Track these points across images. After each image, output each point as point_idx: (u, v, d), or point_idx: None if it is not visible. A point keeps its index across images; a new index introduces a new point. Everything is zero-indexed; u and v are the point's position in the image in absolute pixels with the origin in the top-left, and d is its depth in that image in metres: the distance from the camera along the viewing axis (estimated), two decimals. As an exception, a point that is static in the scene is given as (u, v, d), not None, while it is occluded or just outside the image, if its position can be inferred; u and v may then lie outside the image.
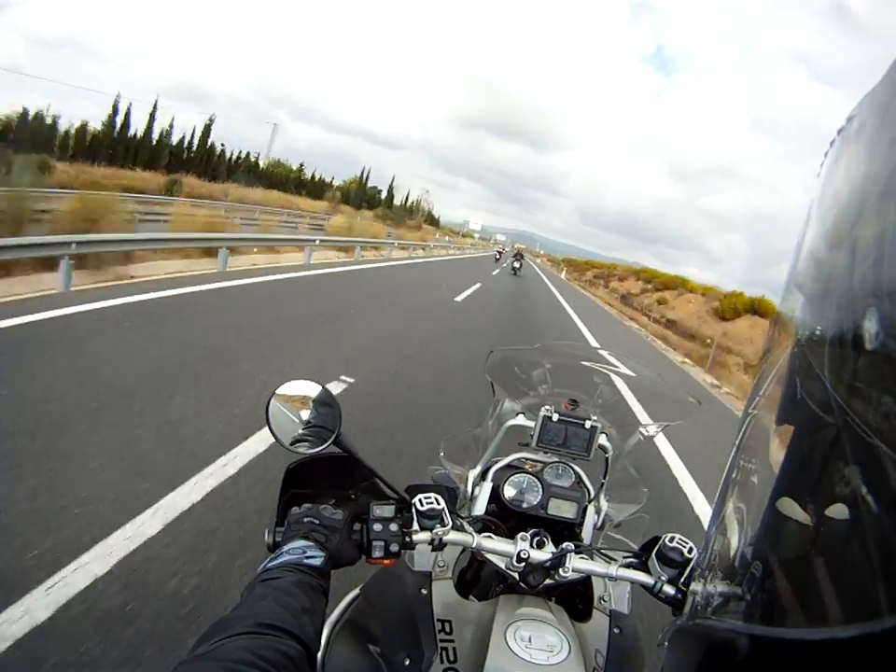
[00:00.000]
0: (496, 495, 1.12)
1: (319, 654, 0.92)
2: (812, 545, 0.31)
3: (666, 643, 0.55)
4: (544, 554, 0.89)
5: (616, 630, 0.94)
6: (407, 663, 0.85)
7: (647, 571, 0.89)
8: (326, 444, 0.83)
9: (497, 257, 36.03)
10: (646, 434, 1.21)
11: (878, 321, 0.27)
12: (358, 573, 0.95)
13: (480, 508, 1.10)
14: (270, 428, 0.83)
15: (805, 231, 0.44)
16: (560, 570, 0.88)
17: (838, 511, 0.28)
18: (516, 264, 29.06)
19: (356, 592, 1.04)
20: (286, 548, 0.74)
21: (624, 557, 0.93)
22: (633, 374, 1.30)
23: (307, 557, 0.72)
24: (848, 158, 0.38)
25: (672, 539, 0.89)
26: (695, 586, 0.59)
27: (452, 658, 0.85)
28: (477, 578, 1.15)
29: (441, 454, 1.30)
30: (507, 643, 0.82)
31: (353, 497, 0.92)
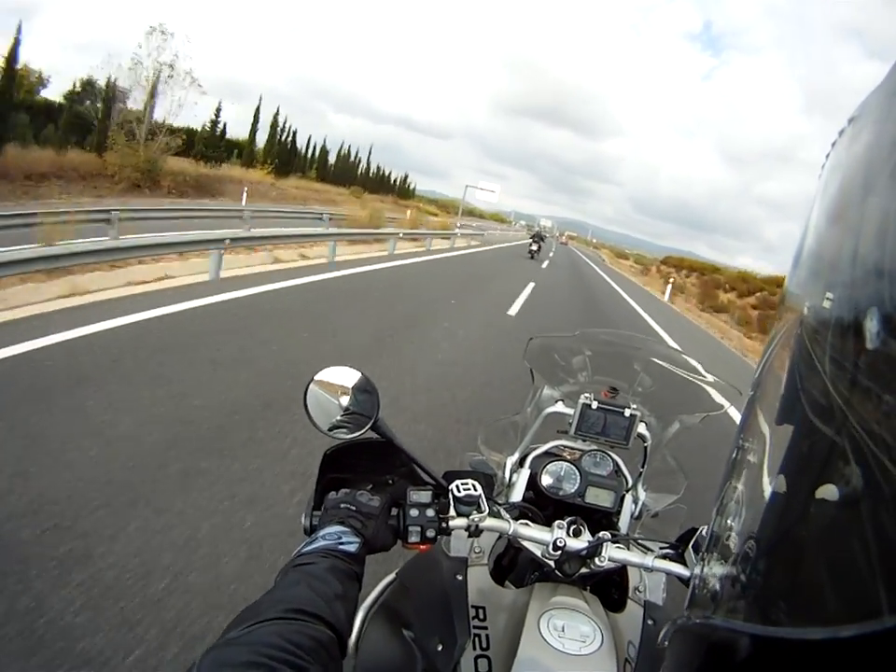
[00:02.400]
0: (533, 482, 1.12)
1: (353, 638, 0.93)
2: (812, 544, 0.31)
3: (667, 643, 0.55)
4: (580, 543, 0.89)
5: (650, 622, 0.94)
6: (440, 648, 0.86)
7: (683, 563, 0.88)
8: (364, 430, 0.83)
9: (534, 249, 24.09)
10: (685, 423, 1.19)
11: (879, 320, 0.27)
12: (395, 558, 0.97)
13: (517, 495, 1.10)
14: (308, 414, 0.84)
15: (807, 232, 0.44)
16: (596, 559, 0.88)
17: (838, 510, 0.28)
18: (534, 247, 24.09)
19: (391, 576, 1.06)
20: (321, 533, 0.75)
21: (661, 548, 0.92)
22: (673, 363, 1.28)
23: (342, 543, 0.72)
24: (850, 159, 0.38)
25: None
26: (702, 563, 0.59)
27: (484, 645, 0.86)
28: (513, 565, 1.16)
29: (480, 440, 1.31)
30: (540, 632, 0.83)
31: (390, 482, 0.93)
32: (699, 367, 1.28)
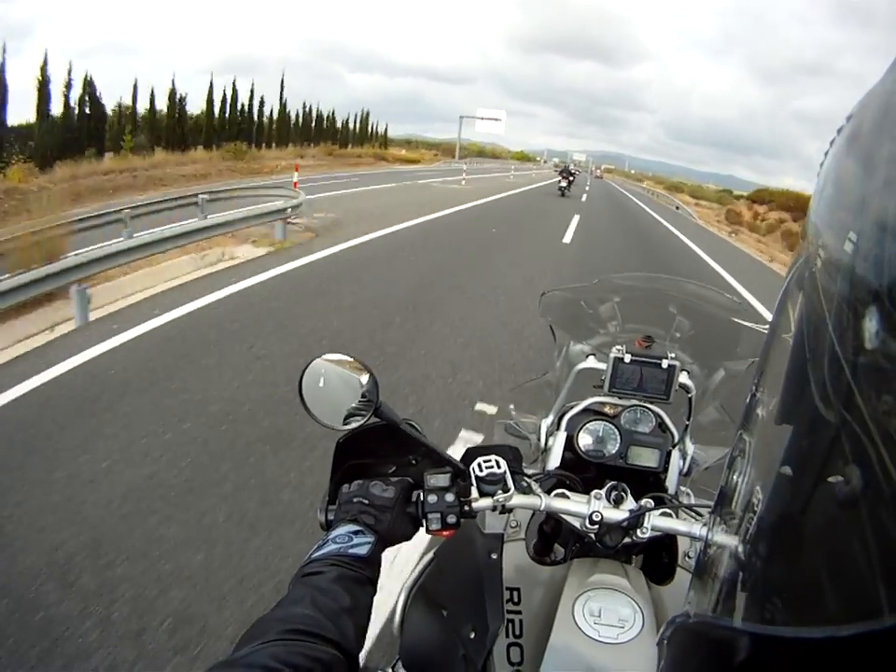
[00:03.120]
0: (571, 444, 1.05)
1: (397, 619, 0.92)
2: (812, 544, 0.31)
3: (666, 641, 0.54)
4: (620, 514, 0.81)
5: None
6: (472, 636, 0.81)
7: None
8: (367, 417, 0.78)
9: (564, 186, 22.02)
10: (732, 370, 1.08)
11: (879, 320, 0.27)
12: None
13: (555, 459, 1.04)
14: (305, 407, 0.78)
15: (807, 231, 0.44)
16: (638, 531, 0.80)
17: (838, 510, 0.28)
18: (563, 183, 22.03)
19: (430, 555, 1.02)
20: (332, 535, 0.72)
21: (710, 513, 0.83)
22: (712, 303, 1.16)
23: (353, 546, 0.70)
24: (849, 157, 0.38)
25: None
26: (702, 563, 0.61)
27: (517, 632, 0.82)
28: (556, 534, 1.10)
29: (511, 406, 1.23)
30: (574, 618, 0.78)
31: (413, 462, 0.87)
32: (742, 306, 1.15)
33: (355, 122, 41.03)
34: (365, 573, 0.68)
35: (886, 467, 0.24)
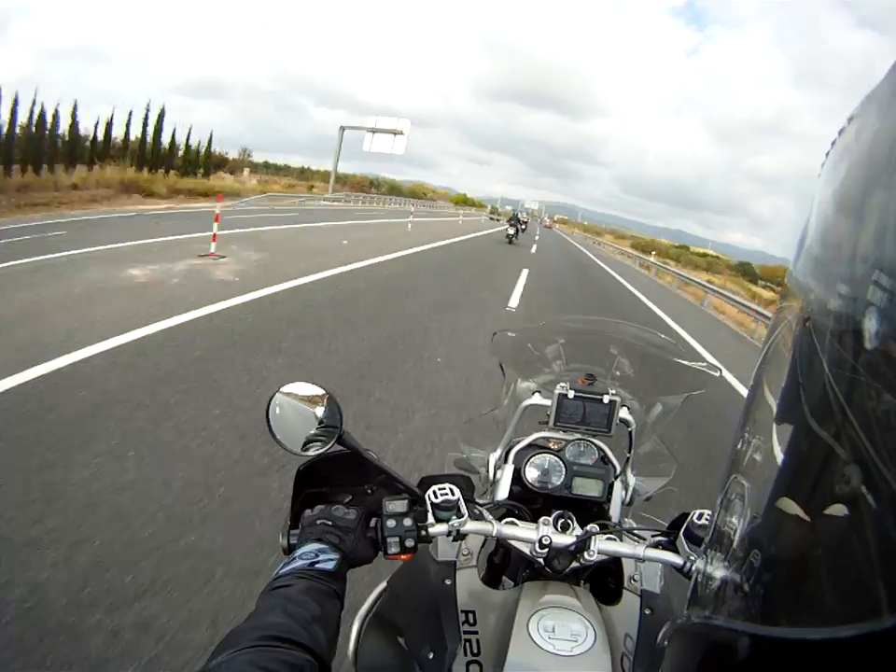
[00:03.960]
0: (518, 477, 1.10)
1: (351, 648, 0.93)
2: (812, 544, 0.31)
3: (666, 643, 0.54)
4: (568, 538, 0.87)
5: (647, 611, 0.92)
6: (431, 656, 0.84)
7: (676, 551, 0.86)
8: (329, 444, 0.81)
9: (511, 234, 22.04)
10: (668, 404, 1.16)
11: (878, 320, 0.27)
12: (389, 565, 0.95)
13: (503, 491, 1.08)
14: (272, 433, 0.82)
15: (806, 231, 0.44)
16: (585, 553, 0.85)
17: (838, 510, 0.28)
18: (511, 230, 22.03)
19: (383, 585, 1.04)
20: (298, 552, 0.74)
21: (653, 536, 0.90)
22: (649, 344, 1.25)
23: (319, 561, 0.72)
24: (849, 159, 0.38)
25: (700, 516, 0.85)
26: (701, 563, 0.58)
27: (475, 651, 0.84)
28: (505, 562, 1.14)
29: (460, 438, 1.28)
30: (529, 634, 0.81)
31: (368, 491, 0.91)
32: (677, 346, 1.25)
33: (197, 147, 30.74)
34: (332, 587, 0.69)
35: (885, 467, 0.24)
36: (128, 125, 27.06)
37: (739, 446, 0.50)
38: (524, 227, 25.27)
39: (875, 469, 0.25)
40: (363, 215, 26.89)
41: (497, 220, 31.29)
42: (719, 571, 0.45)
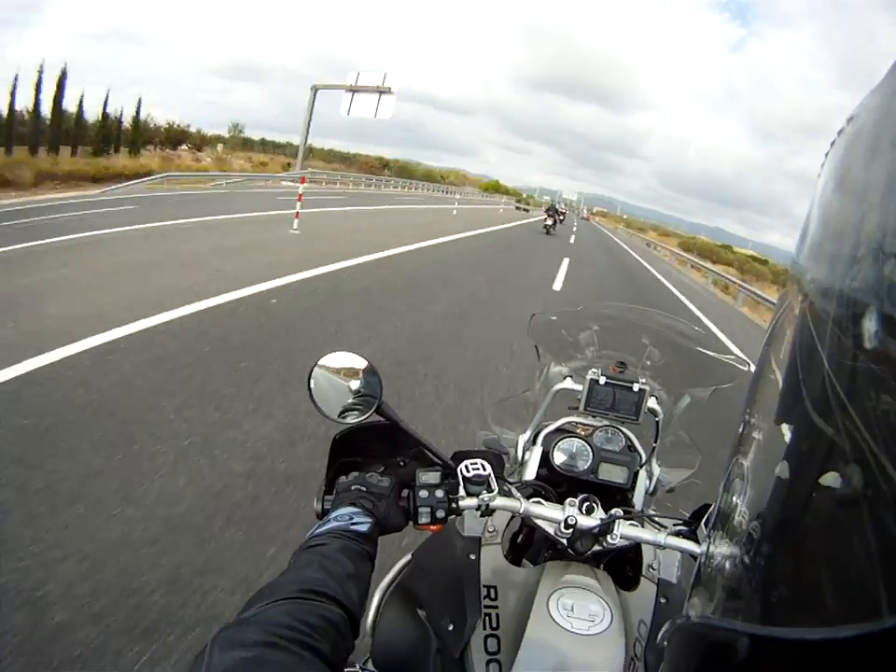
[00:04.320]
0: (546, 459, 1.12)
1: (370, 619, 0.96)
2: (812, 544, 0.31)
3: (666, 643, 0.55)
4: (592, 521, 0.89)
5: (662, 600, 0.93)
6: (451, 628, 0.86)
7: (696, 540, 0.87)
8: (369, 413, 0.84)
9: (549, 224, 21.82)
10: (696, 396, 1.17)
11: (878, 320, 0.27)
12: (412, 540, 0.98)
13: (530, 473, 1.10)
14: (312, 400, 0.85)
15: (806, 232, 0.44)
16: (608, 537, 0.87)
17: (838, 509, 0.28)
18: (549, 221, 21.89)
19: (407, 557, 1.08)
20: (333, 514, 0.76)
21: (674, 525, 0.91)
22: (682, 335, 1.25)
23: (354, 524, 0.73)
24: (849, 159, 0.38)
25: None
26: (702, 564, 0.59)
27: (494, 625, 0.86)
28: (528, 543, 1.17)
29: (490, 418, 1.30)
30: (549, 612, 0.83)
31: (401, 463, 0.93)
32: (708, 338, 1.25)
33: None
34: (366, 548, 0.71)
35: (885, 467, 0.24)
36: (37, 94, 22.46)
37: (739, 450, 0.50)
38: (562, 218, 24.57)
39: (876, 469, 0.25)
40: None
41: (526, 211, 30.51)
42: (724, 552, 0.46)
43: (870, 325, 0.27)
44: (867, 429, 0.26)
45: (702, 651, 0.44)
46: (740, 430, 0.51)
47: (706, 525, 0.85)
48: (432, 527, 0.86)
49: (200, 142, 32.80)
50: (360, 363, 0.87)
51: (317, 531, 0.72)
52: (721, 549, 0.47)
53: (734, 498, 0.48)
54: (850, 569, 0.26)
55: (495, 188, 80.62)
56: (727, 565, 0.44)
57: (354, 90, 26.95)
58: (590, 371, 1.11)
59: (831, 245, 0.38)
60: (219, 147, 32.52)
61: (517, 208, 40.43)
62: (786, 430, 0.37)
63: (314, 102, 27.65)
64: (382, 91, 26.24)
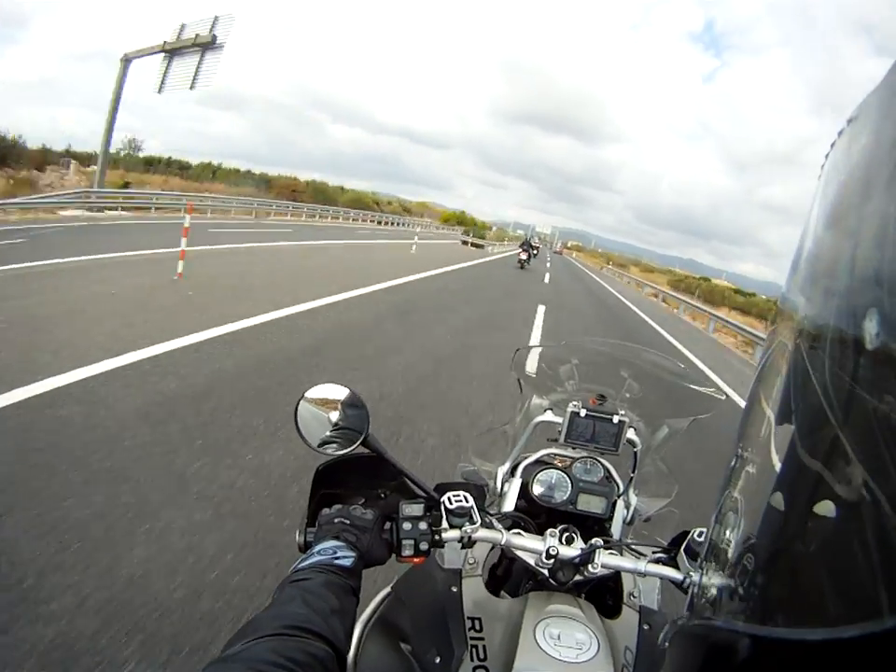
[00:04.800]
0: (525, 491, 1.13)
1: (351, 653, 0.94)
2: (812, 545, 0.31)
3: (667, 644, 0.55)
4: (573, 551, 0.90)
5: (646, 626, 0.94)
6: (437, 661, 0.86)
7: (676, 567, 0.88)
8: (354, 445, 0.84)
9: (524, 258, 22.61)
10: (674, 427, 1.20)
11: (878, 321, 0.27)
12: (390, 572, 0.97)
13: (509, 504, 1.11)
14: (298, 430, 0.85)
15: (807, 232, 0.44)
16: (589, 566, 0.88)
17: (838, 511, 0.28)
18: (523, 256, 22.62)
19: (387, 590, 1.07)
20: (317, 548, 0.75)
21: (654, 553, 0.93)
22: (660, 368, 1.29)
23: (337, 558, 0.73)
24: (849, 160, 0.38)
25: (701, 534, 0.88)
26: (695, 577, 0.59)
27: (482, 656, 0.86)
28: (507, 574, 1.16)
29: (471, 450, 1.32)
30: (536, 641, 0.83)
31: (382, 496, 0.94)
32: (686, 371, 1.29)
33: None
34: (350, 582, 0.70)
35: (884, 467, 0.24)
36: None
37: (740, 452, 0.50)
38: (535, 252, 25.22)
39: (875, 472, 0.25)
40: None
41: (479, 247, 26.41)
42: (718, 580, 0.45)
43: (870, 328, 0.27)
44: (864, 435, 0.27)
45: (703, 652, 0.44)
46: (733, 464, 0.52)
47: (686, 551, 0.88)
48: (415, 559, 0.86)
49: (89, 161, 24.50)
50: (347, 394, 0.88)
51: (301, 565, 0.72)
52: (722, 552, 0.47)
53: (730, 515, 0.48)
54: (850, 570, 0.26)
55: (458, 221, 66.93)
56: (728, 567, 0.44)
57: (171, 50, 18.98)
58: (570, 404, 1.13)
59: (830, 253, 0.38)
60: (72, 166, 21.85)
61: (464, 243, 30.30)
62: (782, 445, 0.37)
63: (123, 78, 19.22)
64: (206, 47, 18.12)
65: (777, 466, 0.37)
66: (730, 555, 0.44)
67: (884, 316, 0.27)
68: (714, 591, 0.47)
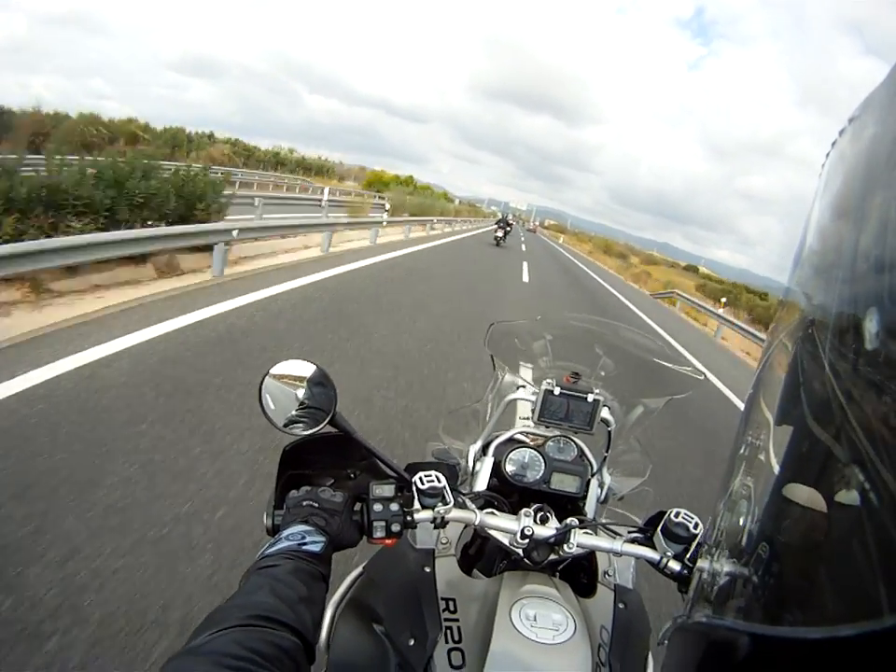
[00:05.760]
0: (497, 470, 1.12)
1: (323, 634, 0.93)
2: (812, 544, 0.31)
3: (667, 642, 0.55)
4: (548, 530, 0.89)
5: (621, 605, 0.95)
6: (411, 643, 0.85)
7: (652, 546, 0.88)
8: (322, 425, 0.82)
9: (499, 236, 22.80)
10: (649, 407, 1.19)
11: (879, 321, 0.27)
12: (363, 551, 0.95)
13: (481, 483, 1.09)
14: (263, 410, 0.81)
15: (807, 231, 0.44)
16: (564, 546, 0.88)
17: (838, 510, 0.28)
18: (499, 233, 22.98)
19: (359, 570, 1.04)
20: (284, 533, 0.73)
21: (629, 532, 0.93)
22: (636, 346, 1.28)
23: (306, 543, 0.71)
24: (850, 159, 0.39)
25: (678, 515, 0.88)
26: (702, 563, 0.59)
27: (456, 638, 0.85)
28: (480, 554, 1.16)
29: (441, 429, 1.30)
30: (512, 622, 0.82)
31: (352, 476, 0.92)
32: (663, 349, 1.28)
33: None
34: (319, 569, 0.69)
35: (884, 466, 0.24)
36: None
37: (741, 450, 0.50)
38: (509, 229, 25.45)
39: (875, 470, 0.25)
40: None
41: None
42: (720, 572, 0.46)
43: (871, 326, 0.27)
44: (866, 432, 0.26)
45: (702, 649, 0.44)
46: (739, 451, 0.52)
47: (663, 531, 0.88)
48: (387, 541, 0.84)
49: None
50: (314, 371, 0.84)
51: (268, 551, 0.70)
52: (722, 550, 0.48)
53: (733, 503, 0.48)
54: (850, 569, 0.26)
55: (384, 182, 44.97)
56: (728, 565, 0.44)
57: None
58: (544, 382, 1.11)
59: (832, 247, 0.38)
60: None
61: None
62: (785, 436, 0.38)
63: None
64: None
65: (778, 464, 0.37)
66: (730, 554, 0.44)
67: (884, 316, 0.27)
68: (714, 589, 0.47)
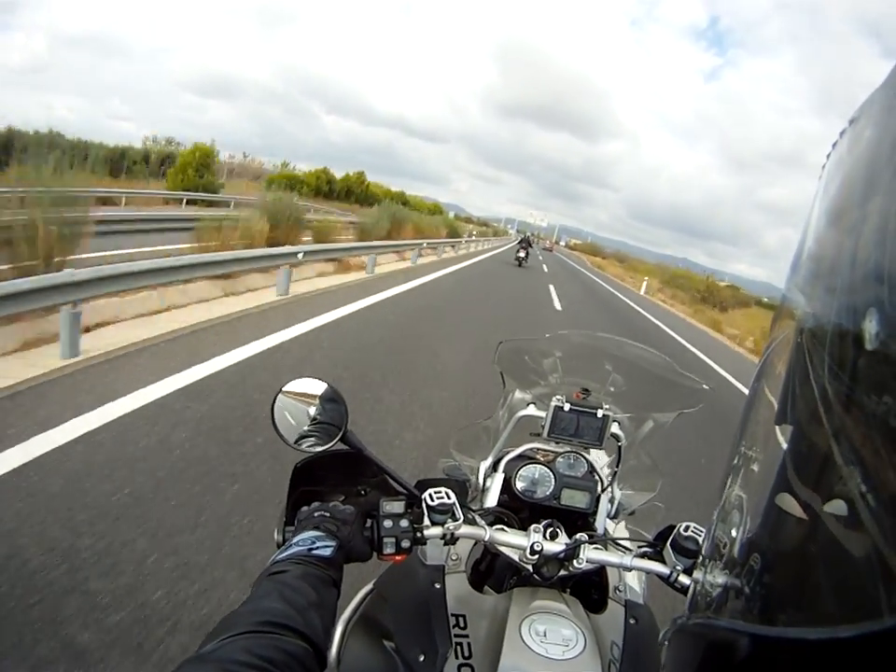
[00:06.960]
0: (507, 486, 1.12)
1: (334, 651, 0.93)
2: (812, 543, 0.31)
3: (667, 643, 0.54)
4: (558, 546, 0.89)
5: (632, 620, 0.94)
6: (422, 659, 0.84)
7: (662, 561, 0.88)
8: (333, 442, 0.83)
9: (522, 256, 23.05)
10: (659, 421, 1.19)
11: (878, 321, 0.27)
12: (372, 568, 0.96)
13: (492, 500, 1.10)
14: (275, 427, 0.83)
15: (807, 231, 0.44)
16: (574, 561, 0.88)
17: (838, 509, 0.28)
18: (521, 253, 23.12)
19: (369, 587, 1.04)
20: (295, 539, 0.73)
21: (639, 547, 0.92)
22: (645, 362, 1.28)
23: (316, 548, 0.71)
24: (850, 161, 0.38)
25: (687, 528, 0.87)
26: (698, 574, 0.59)
27: (467, 654, 0.85)
28: (491, 570, 1.16)
29: (452, 445, 1.30)
30: (522, 638, 0.82)
31: (362, 493, 0.93)
32: (673, 365, 1.28)
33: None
34: (329, 574, 0.69)
35: (884, 467, 0.24)
36: None
37: (736, 460, 0.50)
38: (531, 249, 25.64)
39: (873, 471, 0.25)
40: None
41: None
42: (719, 575, 0.45)
43: (870, 328, 0.27)
44: (865, 432, 0.26)
45: (702, 651, 0.44)
46: (734, 461, 0.51)
47: (672, 545, 0.87)
48: (397, 558, 0.84)
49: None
50: (325, 389, 0.86)
51: (279, 557, 0.70)
52: (722, 551, 0.47)
53: (731, 512, 0.48)
54: (850, 569, 0.26)
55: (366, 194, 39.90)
56: (728, 566, 0.44)
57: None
58: (554, 398, 1.12)
59: (830, 250, 0.38)
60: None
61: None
62: (784, 436, 0.37)
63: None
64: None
65: (777, 465, 0.37)
66: (730, 554, 0.44)
67: (883, 316, 0.26)
68: (714, 589, 0.46)
